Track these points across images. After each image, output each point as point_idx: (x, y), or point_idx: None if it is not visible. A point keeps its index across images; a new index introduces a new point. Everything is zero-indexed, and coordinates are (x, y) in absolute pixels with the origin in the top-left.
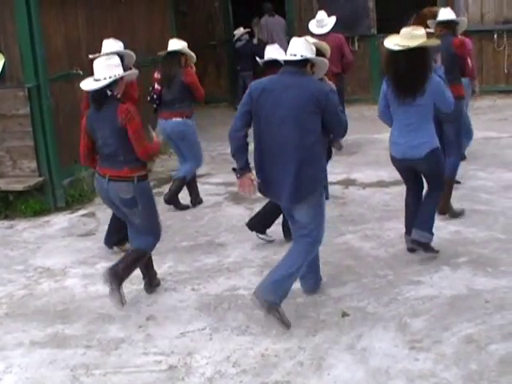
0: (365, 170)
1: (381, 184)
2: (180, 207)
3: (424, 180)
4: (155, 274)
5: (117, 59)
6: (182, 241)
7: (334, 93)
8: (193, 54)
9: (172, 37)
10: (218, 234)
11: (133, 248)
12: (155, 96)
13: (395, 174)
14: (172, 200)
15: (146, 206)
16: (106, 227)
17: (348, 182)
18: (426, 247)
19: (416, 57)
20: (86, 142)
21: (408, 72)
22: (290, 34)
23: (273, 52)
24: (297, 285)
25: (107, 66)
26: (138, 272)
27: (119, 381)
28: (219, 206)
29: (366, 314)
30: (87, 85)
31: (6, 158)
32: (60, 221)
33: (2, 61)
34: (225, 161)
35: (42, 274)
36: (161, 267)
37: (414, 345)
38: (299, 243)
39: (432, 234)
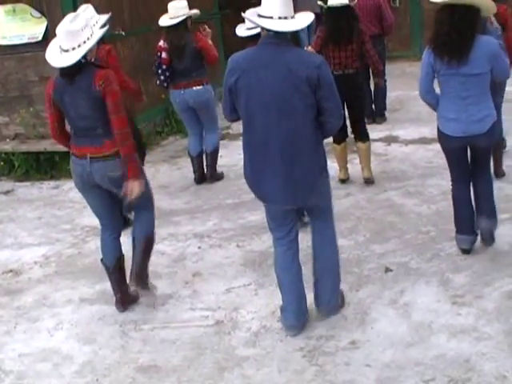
0: (407, 126)
1: (423, 141)
2: (220, 177)
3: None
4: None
5: (83, 19)
6: (227, 198)
7: (326, 64)
8: (196, 11)
9: None
10: None
11: (141, 237)
12: (165, 67)
13: (435, 131)
14: (214, 175)
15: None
16: (151, 185)
17: (390, 139)
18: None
19: (472, 15)
20: (54, 114)
21: (465, 32)
22: None
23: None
24: (341, 241)
25: (75, 33)
26: (183, 229)
27: (167, 335)
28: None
29: (408, 270)
30: (56, 61)
31: None
32: None
33: (45, 24)
34: None
35: (89, 232)
36: (206, 224)
37: (456, 300)
38: (325, 231)
39: (497, 219)
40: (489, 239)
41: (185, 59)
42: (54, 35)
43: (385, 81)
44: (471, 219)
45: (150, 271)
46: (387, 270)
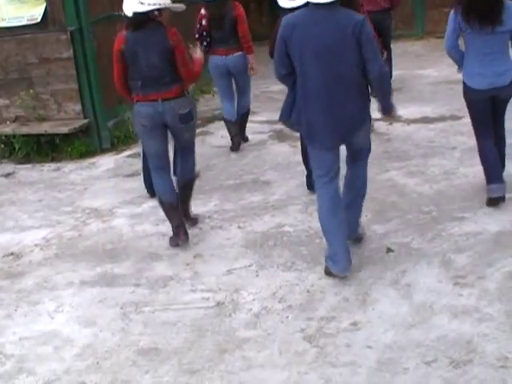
0: (409, 106)
1: (425, 120)
2: (246, 140)
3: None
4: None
5: None
6: (228, 179)
7: (368, 22)
8: None
9: None
10: (262, 172)
11: (185, 179)
12: (205, 33)
13: (439, 110)
14: (243, 134)
15: (194, 119)
16: None
17: (392, 119)
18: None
19: None
20: (121, 69)
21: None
22: None
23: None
24: None
25: None
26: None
27: (168, 317)
28: (264, 144)
29: (410, 250)
30: (132, 7)
31: (51, 101)
32: (106, 162)
33: (44, 5)
34: (269, 99)
35: (90, 214)
36: (207, 205)
37: (458, 280)
38: (360, 165)
39: None
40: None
41: (223, 28)
42: (54, 16)
43: (390, 60)
44: (499, 168)
45: (151, 253)
46: (389, 250)
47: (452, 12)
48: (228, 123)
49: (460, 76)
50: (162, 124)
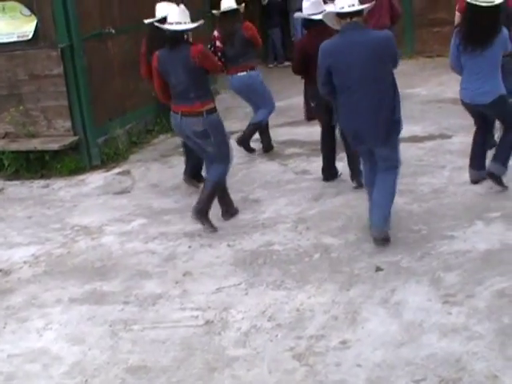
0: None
1: (414, 139)
2: (250, 151)
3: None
4: (231, 202)
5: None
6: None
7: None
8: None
9: None
10: (252, 190)
11: (209, 180)
12: (220, 54)
13: (429, 129)
14: (244, 142)
15: (216, 136)
16: (141, 184)
17: None
18: (499, 180)
19: (497, 13)
20: (159, 81)
21: (488, 27)
22: None
23: (312, 8)
24: (331, 240)
25: (185, 13)
26: (173, 228)
27: (157, 336)
28: (253, 162)
29: (399, 269)
30: (172, 26)
31: (41, 117)
32: (95, 179)
33: (35, 22)
34: None
35: (79, 232)
36: (196, 223)
37: (447, 299)
38: (390, 173)
39: (506, 168)
40: (490, 179)
41: (235, 46)
42: (45, 33)
43: None
44: (481, 158)
45: (140, 270)
46: (378, 269)
47: (454, 33)
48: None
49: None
50: (185, 134)
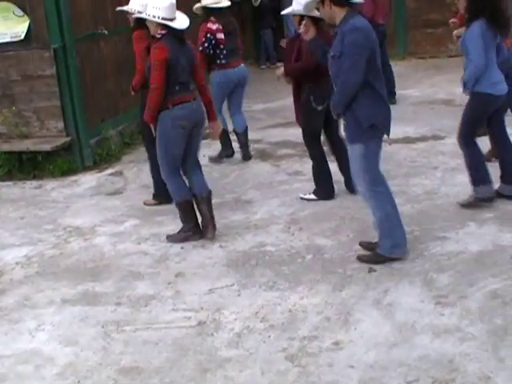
0: (391, 125)
1: (407, 140)
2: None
3: None
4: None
5: None
6: None
7: None
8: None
9: None
10: (244, 191)
11: (206, 193)
12: (222, 46)
13: (421, 130)
14: (249, 154)
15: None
16: (134, 185)
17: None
18: None
19: None
20: (165, 77)
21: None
22: None
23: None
24: (324, 241)
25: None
26: (166, 229)
27: (149, 337)
28: (246, 163)
29: (392, 270)
30: (184, 23)
31: (34, 118)
32: (88, 180)
33: (27, 22)
34: (251, 118)
35: (72, 232)
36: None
37: (440, 300)
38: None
39: None
40: None
41: (234, 38)
42: (37, 34)
43: None
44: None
45: (132, 271)
46: (371, 270)
47: (477, 25)
48: (241, 136)
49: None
50: (195, 124)
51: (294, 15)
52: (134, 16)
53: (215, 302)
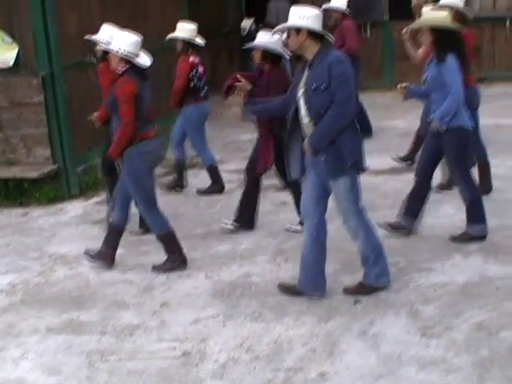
0: (377, 156)
1: (393, 171)
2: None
3: None
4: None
5: None
6: (196, 228)
7: None
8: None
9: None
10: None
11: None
12: (204, 79)
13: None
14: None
15: None
16: None
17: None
18: None
19: None
20: (134, 108)
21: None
22: None
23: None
24: None
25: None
26: (151, 259)
27: (134, 367)
28: (232, 193)
29: (377, 301)
30: (147, 61)
31: (21, 145)
32: (74, 208)
33: (16, 49)
34: (237, 148)
35: (57, 261)
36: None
37: (426, 331)
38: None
39: None
40: None
41: (207, 74)
42: (26, 61)
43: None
44: None
45: (118, 300)
46: (356, 301)
47: (452, 58)
48: (214, 169)
49: None
50: (158, 160)
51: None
52: (100, 47)
53: (200, 332)
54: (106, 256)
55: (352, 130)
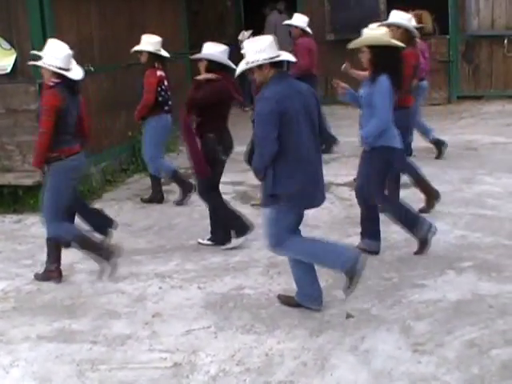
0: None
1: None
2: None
3: None
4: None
5: None
6: (189, 239)
7: None
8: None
9: (183, 35)
10: None
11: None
12: (169, 92)
13: (402, 178)
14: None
15: None
16: (118, 220)
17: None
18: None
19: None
20: (54, 121)
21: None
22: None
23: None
24: None
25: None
26: (144, 269)
27: (124, 376)
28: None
29: (370, 316)
30: (78, 74)
31: (16, 152)
32: None
33: (14, 56)
34: (233, 160)
35: None
36: (167, 264)
37: (417, 348)
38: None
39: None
40: None
41: (171, 87)
42: (23, 68)
43: None
44: None
45: (109, 310)
46: (348, 316)
47: (384, 79)
48: (158, 180)
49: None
50: (80, 175)
51: None
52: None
53: (191, 343)
54: (51, 272)
55: (285, 162)
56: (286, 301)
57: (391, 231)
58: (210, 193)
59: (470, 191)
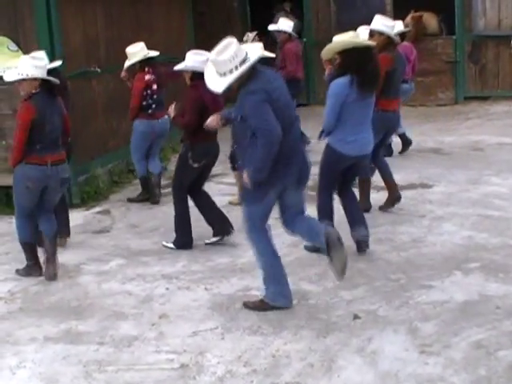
0: (378, 173)
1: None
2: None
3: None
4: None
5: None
6: (196, 240)
7: None
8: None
9: (189, 36)
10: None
11: (53, 236)
12: (155, 97)
13: (409, 178)
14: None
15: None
16: (121, 225)
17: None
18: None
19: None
20: (27, 135)
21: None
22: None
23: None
24: (310, 287)
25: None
26: (151, 270)
27: (131, 378)
28: (230, 206)
29: (376, 317)
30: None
31: None
32: (75, 218)
33: (21, 57)
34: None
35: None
36: (174, 266)
37: (424, 349)
38: (303, 219)
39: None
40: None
41: (163, 90)
42: None
43: None
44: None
45: (116, 311)
46: (355, 317)
47: (338, 82)
48: (155, 176)
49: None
50: (43, 187)
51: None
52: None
53: (198, 344)
54: (32, 269)
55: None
56: (255, 306)
57: (398, 232)
58: (179, 193)
59: (477, 192)
